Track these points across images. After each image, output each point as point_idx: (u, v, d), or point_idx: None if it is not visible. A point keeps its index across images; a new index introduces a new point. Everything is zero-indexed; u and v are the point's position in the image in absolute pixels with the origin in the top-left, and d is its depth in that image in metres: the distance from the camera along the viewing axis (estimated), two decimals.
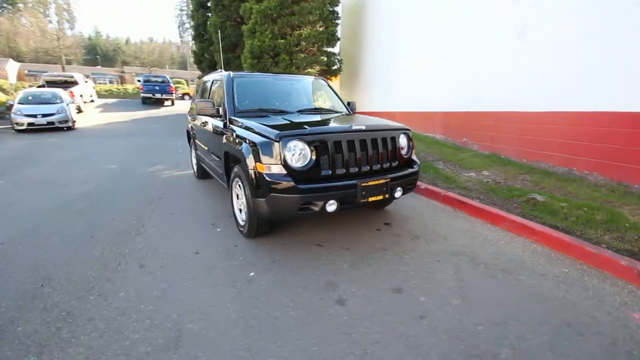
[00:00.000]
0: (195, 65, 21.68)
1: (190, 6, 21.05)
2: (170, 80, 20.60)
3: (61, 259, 2.78)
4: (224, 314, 2.11)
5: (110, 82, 38.00)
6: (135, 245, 3.06)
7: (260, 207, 2.76)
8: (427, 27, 7.91)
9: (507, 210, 3.73)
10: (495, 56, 6.06)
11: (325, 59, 12.51)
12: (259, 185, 2.68)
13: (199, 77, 19.10)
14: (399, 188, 3.03)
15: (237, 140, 3.06)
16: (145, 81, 19.61)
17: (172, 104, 20.82)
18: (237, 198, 3.33)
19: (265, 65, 12.14)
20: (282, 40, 11.99)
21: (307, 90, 4.21)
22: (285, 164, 2.63)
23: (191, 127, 5.41)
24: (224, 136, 3.44)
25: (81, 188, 4.85)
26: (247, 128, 3.00)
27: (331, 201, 2.67)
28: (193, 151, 5.56)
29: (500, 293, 2.32)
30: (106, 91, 26.13)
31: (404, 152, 3.22)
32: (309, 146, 2.68)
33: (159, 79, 20.05)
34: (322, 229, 3.35)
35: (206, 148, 4.35)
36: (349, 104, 4.27)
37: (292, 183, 2.58)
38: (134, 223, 3.57)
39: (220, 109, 3.66)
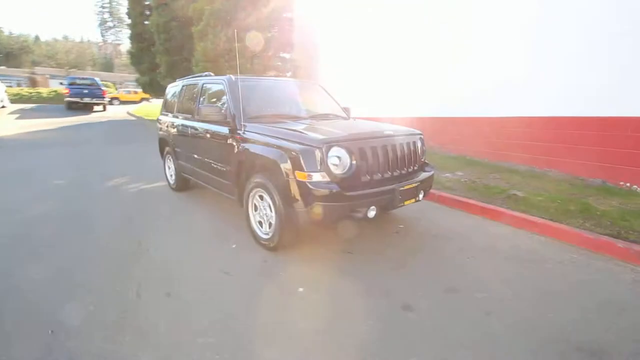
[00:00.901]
0: (125, 67, 19.83)
1: (125, 3, 19.23)
2: (100, 83, 18.52)
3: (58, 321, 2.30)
4: (311, 337, 1.95)
5: (19, 84, 32.71)
6: (149, 272, 2.67)
7: (299, 217, 2.62)
8: (384, 38, 8.34)
9: (499, 206, 4.09)
10: (452, 71, 6.63)
11: (280, 64, 12.42)
12: (300, 195, 2.55)
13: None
14: (421, 190, 3.13)
15: (261, 148, 2.87)
16: (70, 84, 17.31)
17: (104, 109, 18.74)
18: (255, 210, 3.12)
19: (220, 69, 11.62)
20: (239, 44, 11.61)
21: (310, 95, 4.13)
22: (328, 171, 2.54)
23: (167, 135, 4.93)
24: (236, 144, 3.20)
25: (36, 211, 4.07)
26: (275, 135, 2.83)
27: (372, 207, 2.65)
28: (170, 161, 5.06)
29: (542, 282, 2.53)
30: (15, 95, 22.48)
31: (421, 155, 3.34)
32: (348, 152, 2.63)
33: (87, 82, 17.89)
34: (338, 236, 3.29)
35: (199, 157, 3.99)
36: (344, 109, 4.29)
37: (340, 190, 2.50)
38: (130, 248, 3.11)
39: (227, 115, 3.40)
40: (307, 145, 2.57)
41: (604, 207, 3.96)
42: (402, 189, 2.79)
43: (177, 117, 4.60)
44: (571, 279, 2.58)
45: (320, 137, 2.61)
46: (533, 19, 5.36)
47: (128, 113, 19.00)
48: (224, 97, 3.55)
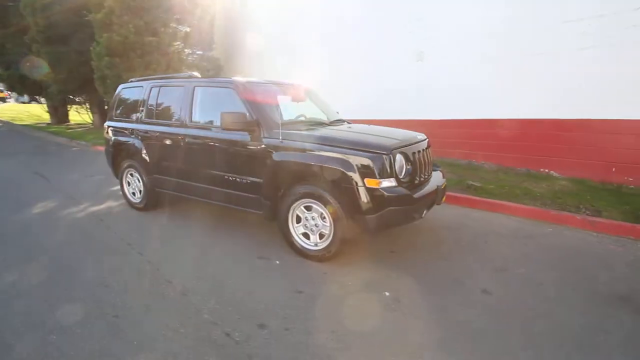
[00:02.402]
0: None
1: None
2: None
3: None
4: (463, 330, 2.03)
5: None
6: (224, 312, 2.30)
7: (367, 224, 2.64)
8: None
9: (465, 195, 4.81)
10: (398, 75, 7.39)
11: (199, 62, 11.55)
12: (370, 201, 2.57)
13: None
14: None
15: (312, 156, 2.76)
16: None
17: None
18: (297, 222, 2.98)
19: (131, 65, 10.14)
20: (154, 38, 10.31)
21: (314, 99, 4.06)
22: (396, 177, 2.64)
23: (128, 146, 4.14)
24: (269, 153, 2.97)
25: None
26: (331, 143, 2.75)
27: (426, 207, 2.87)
28: (132, 177, 4.27)
29: (548, 252, 3.18)
30: None
31: None
32: (405, 157, 2.78)
33: None
34: (367, 238, 3.37)
35: (199, 170, 3.52)
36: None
37: (409, 194, 2.63)
38: (168, 290, 2.59)
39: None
40: (376, 151, 2.61)
41: (539, 190, 5.08)
42: (441, 188, 3.08)
43: (151, 125, 3.92)
44: (560, 246, 3.31)
45: (387, 143, 2.69)
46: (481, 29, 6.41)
47: None
48: (236, 103, 3.23)
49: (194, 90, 3.59)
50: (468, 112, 6.48)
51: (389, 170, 2.60)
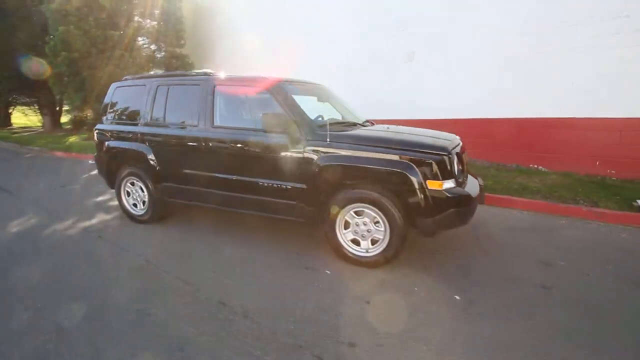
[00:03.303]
0: None
1: None
2: None
3: None
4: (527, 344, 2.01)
5: None
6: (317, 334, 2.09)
7: (427, 226, 2.58)
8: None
9: None
10: (388, 76, 7.48)
11: (175, 61, 10.82)
12: (433, 204, 2.51)
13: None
14: None
15: (369, 159, 2.63)
16: None
17: None
18: (345, 228, 2.84)
19: (92, 62, 9.25)
20: (117, 32, 9.48)
21: (335, 98, 3.91)
22: (455, 177, 2.61)
23: (130, 152, 3.70)
24: (315, 157, 2.79)
25: None
26: (388, 145, 2.65)
27: None
28: (134, 186, 3.83)
29: (572, 243, 3.36)
30: None
31: None
32: (457, 158, 2.76)
33: None
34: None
35: (223, 176, 3.23)
36: None
37: (469, 194, 2.61)
38: (235, 316, 2.31)
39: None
40: (437, 152, 2.56)
41: (534, 184, 5.40)
42: (482, 186, 3.12)
43: (161, 128, 3.53)
44: (581, 238, 3.52)
45: (444, 144, 2.66)
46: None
47: None
48: (269, 103, 3.01)
49: (214, 89, 3.28)
50: (458, 112, 6.72)
51: (449, 171, 2.56)
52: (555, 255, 3.11)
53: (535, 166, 6.05)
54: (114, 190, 4.08)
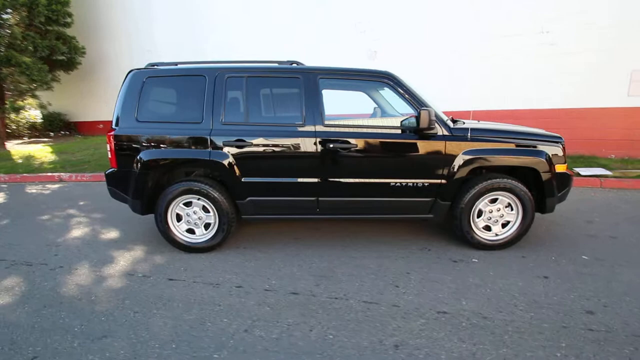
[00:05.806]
0: None
1: None
2: None
3: None
4: None
5: None
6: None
7: (552, 204, 2.99)
8: None
9: None
10: None
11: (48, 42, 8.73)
12: (562, 183, 2.96)
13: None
14: None
15: (510, 150, 2.88)
16: None
17: None
18: (477, 216, 3.00)
19: None
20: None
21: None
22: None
23: (206, 161, 2.90)
24: (455, 152, 2.86)
25: None
26: (523, 137, 2.96)
27: None
28: (192, 207, 3.01)
29: (593, 207, 4.31)
30: None
31: None
32: None
33: None
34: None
35: (361, 180, 2.95)
36: None
37: (572, 174, 3.14)
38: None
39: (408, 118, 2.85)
40: (559, 141, 3.02)
41: None
42: None
43: (246, 129, 2.90)
44: (620, 203, 4.33)
45: (555, 133, 3.09)
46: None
47: None
48: (391, 97, 2.90)
49: (317, 81, 2.88)
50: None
51: (565, 157, 3.04)
52: (608, 227, 3.85)
53: None
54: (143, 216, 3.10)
